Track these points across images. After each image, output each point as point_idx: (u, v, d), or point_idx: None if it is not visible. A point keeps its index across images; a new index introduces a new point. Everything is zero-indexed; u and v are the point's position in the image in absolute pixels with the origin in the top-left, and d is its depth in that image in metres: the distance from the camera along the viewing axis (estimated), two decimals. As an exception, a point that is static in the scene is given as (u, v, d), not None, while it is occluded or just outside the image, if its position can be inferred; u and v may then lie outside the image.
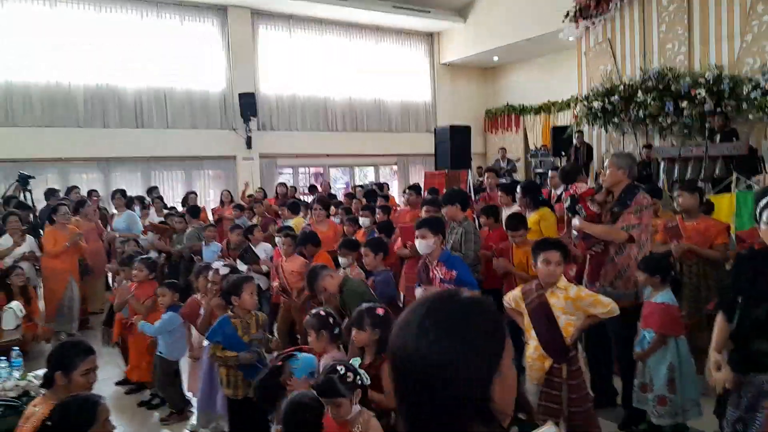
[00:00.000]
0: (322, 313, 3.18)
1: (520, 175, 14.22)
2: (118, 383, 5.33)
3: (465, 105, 16.66)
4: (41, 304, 6.84)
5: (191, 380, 4.37)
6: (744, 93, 9.27)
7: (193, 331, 4.32)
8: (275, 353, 3.56)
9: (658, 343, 3.54)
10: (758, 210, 2.59)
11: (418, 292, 3.95)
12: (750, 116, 9.33)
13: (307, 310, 5.31)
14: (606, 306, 3.24)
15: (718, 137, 9.18)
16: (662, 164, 9.57)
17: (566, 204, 4.13)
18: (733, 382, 2.54)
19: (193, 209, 8.05)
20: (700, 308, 4.47)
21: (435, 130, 12.40)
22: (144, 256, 5.36)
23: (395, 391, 1.10)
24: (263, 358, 3.72)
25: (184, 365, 4.71)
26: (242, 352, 3.59)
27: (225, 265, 4.06)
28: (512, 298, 3.54)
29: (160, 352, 4.44)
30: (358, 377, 2.50)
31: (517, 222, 4.76)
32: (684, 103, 9.99)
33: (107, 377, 5.27)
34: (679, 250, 4.51)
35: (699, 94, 9.74)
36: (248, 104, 13.06)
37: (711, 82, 9.68)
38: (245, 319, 3.67)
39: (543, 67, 15.51)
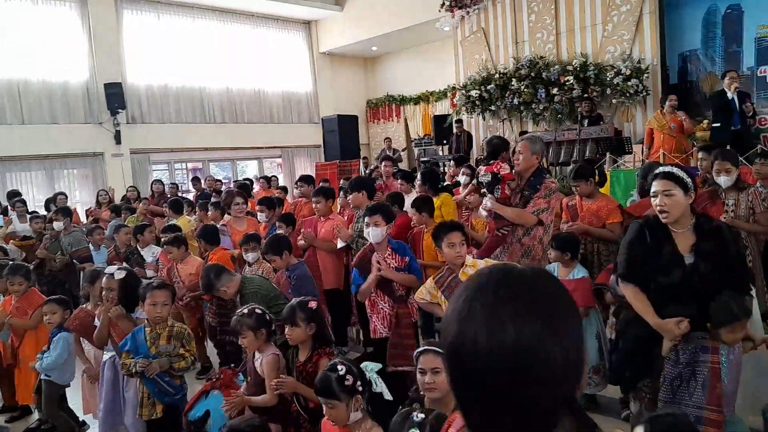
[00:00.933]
0: (258, 310, 2.97)
1: (404, 164, 14.43)
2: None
3: (346, 95, 16.59)
4: None
5: (89, 400, 3.92)
6: (608, 79, 10.01)
7: (86, 345, 3.87)
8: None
9: (582, 316, 3.70)
10: (648, 184, 2.80)
11: (371, 276, 3.75)
12: (614, 101, 10.10)
13: (207, 312, 5.04)
14: None
15: (586, 122, 9.86)
16: (538, 148, 10.10)
17: (485, 179, 4.15)
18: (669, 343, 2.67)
19: (66, 211, 7.26)
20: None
21: (322, 120, 12.24)
22: (15, 264, 4.74)
23: (461, 398, 0.92)
24: (174, 377, 3.40)
25: (75, 384, 4.24)
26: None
27: (120, 269, 3.66)
28: (426, 291, 3.53)
29: (48, 376, 3.94)
30: (358, 383, 2.31)
31: (422, 203, 4.80)
32: (554, 90, 10.62)
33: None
34: (576, 232, 4.73)
35: (568, 81, 10.39)
36: (115, 95, 12.07)
37: (578, 69, 10.36)
38: (155, 329, 3.35)
39: (420, 56, 15.81)
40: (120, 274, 3.56)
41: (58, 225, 6.71)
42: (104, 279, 3.60)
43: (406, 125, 16.33)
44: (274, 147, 15.43)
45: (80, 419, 4.21)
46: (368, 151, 16.57)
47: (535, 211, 3.99)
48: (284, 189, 8.87)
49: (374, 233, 3.82)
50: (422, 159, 12.66)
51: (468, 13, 12.23)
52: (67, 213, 7.06)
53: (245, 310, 3.00)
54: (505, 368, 0.85)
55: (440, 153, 12.95)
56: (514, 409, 0.86)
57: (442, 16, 12.44)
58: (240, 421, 2.36)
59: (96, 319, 3.65)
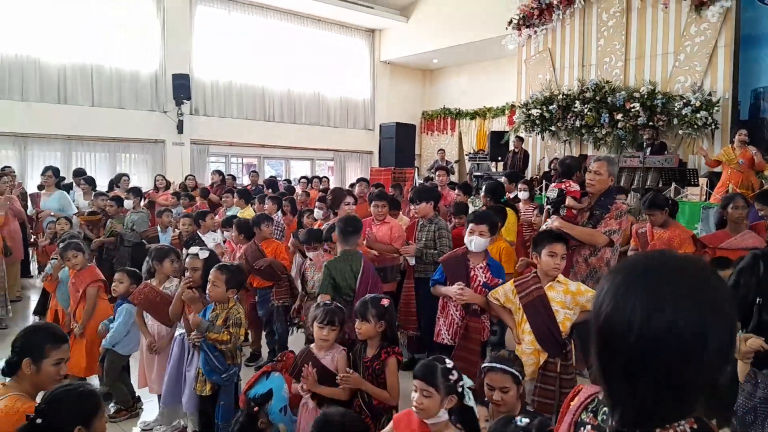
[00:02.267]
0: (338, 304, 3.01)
1: (455, 177, 14.38)
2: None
3: (403, 105, 16.67)
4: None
5: (145, 375, 4.00)
6: (675, 109, 9.79)
7: (149, 319, 3.95)
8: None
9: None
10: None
11: (453, 289, 3.68)
12: (680, 131, 9.86)
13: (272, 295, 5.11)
14: None
15: (648, 149, 9.65)
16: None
17: (552, 194, 4.09)
18: (744, 374, 2.58)
19: (137, 191, 7.57)
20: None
21: (380, 126, 12.29)
22: (68, 242, 4.85)
23: (607, 372, 0.95)
24: (226, 356, 3.44)
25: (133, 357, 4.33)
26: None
27: (203, 249, 3.73)
28: (502, 293, 3.46)
29: (113, 346, 4.05)
30: (459, 384, 2.26)
31: (498, 212, 4.78)
32: (619, 116, 10.44)
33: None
34: None
35: (634, 107, 10.20)
36: (182, 86, 12.43)
37: (645, 96, 10.16)
38: (216, 309, 3.42)
39: (480, 72, 15.78)
40: (204, 254, 3.65)
41: (128, 203, 6.97)
42: (188, 259, 3.68)
43: (460, 139, 16.29)
44: (328, 150, 15.62)
45: (136, 394, 4.29)
46: (420, 161, 16.58)
47: (606, 232, 3.92)
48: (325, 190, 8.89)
49: (478, 243, 3.74)
50: (475, 173, 12.59)
51: (535, 32, 12.16)
52: (138, 193, 7.34)
53: (368, 298, 3.00)
54: (658, 348, 0.89)
55: (494, 169, 12.85)
56: (658, 387, 0.90)
57: (508, 33, 12.39)
58: (335, 411, 2.34)
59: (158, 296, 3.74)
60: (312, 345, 3.05)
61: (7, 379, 2.39)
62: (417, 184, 10.12)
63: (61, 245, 4.66)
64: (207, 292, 3.46)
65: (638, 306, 0.91)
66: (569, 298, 3.21)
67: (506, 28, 12.30)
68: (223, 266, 3.55)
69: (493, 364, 2.58)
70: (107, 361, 4.08)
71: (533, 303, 3.26)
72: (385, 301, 2.92)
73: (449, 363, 2.29)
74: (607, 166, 4.02)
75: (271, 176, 11.52)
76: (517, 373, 2.55)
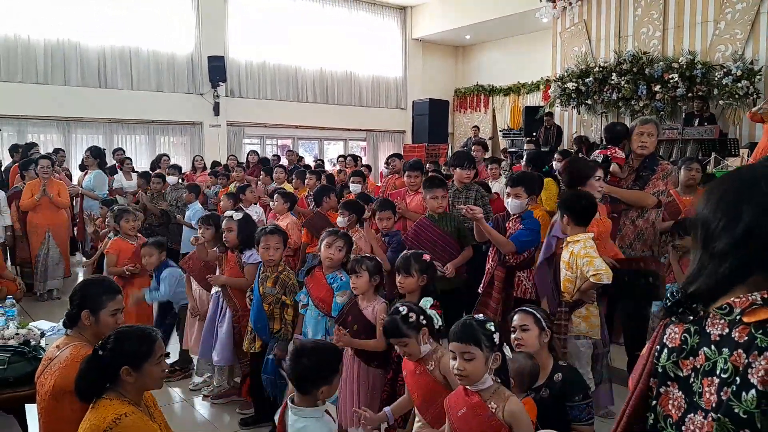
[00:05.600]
0: (378, 261, 3.13)
1: (489, 154, 14.29)
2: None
3: (435, 83, 16.55)
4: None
5: (189, 335, 4.22)
6: (716, 79, 9.53)
7: (192, 284, 4.16)
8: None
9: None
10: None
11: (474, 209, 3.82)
12: (720, 102, 9.61)
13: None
14: (596, 270, 3.06)
15: (696, 121, 9.41)
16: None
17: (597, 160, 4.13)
18: None
19: (178, 169, 7.89)
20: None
21: (413, 103, 12.29)
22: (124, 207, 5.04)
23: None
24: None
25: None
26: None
27: (238, 212, 3.93)
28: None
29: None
30: (423, 318, 2.45)
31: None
32: (657, 87, 10.22)
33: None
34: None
35: (672, 78, 9.97)
36: (217, 68, 12.63)
37: (684, 67, 9.92)
38: (266, 271, 3.55)
39: (514, 47, 15.56)
40: (238, 215, 3.84)
41: (172, 180, 7.25)
42: (224, 221, 3.87)
43: (494, 116, 16.15)
44: (360, 130, 15.68)
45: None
46: (452, 140, 16.50)
47: (655, 193, 3.98)
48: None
49: (513, 204, 3.79)
50: (509, 150, 12.52)
51: (570, 4, 11.94)
52: (179, 170, 7.60)
53: (410, 253, 3.12)
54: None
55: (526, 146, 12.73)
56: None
57: (543, 6, 12.20)
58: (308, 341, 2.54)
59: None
60: (359, 296, 3.18)
61: (68, 331, 2.55)
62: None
63: (116, 209, 4.79)
64: (269, 257, 3.54)
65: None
66: (573, 260, 3.27)
67: (540, 1, 12.12)
68: (276, 229, 3.67)
69: (520, 308, 2.71)
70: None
71: (553, 256, 3.42)
72: (427, 257, 3.02)
73: (403, 309, 2.48)
74: (657, 128, 4.11)
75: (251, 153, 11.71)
76: (539, 316, 2.61)
